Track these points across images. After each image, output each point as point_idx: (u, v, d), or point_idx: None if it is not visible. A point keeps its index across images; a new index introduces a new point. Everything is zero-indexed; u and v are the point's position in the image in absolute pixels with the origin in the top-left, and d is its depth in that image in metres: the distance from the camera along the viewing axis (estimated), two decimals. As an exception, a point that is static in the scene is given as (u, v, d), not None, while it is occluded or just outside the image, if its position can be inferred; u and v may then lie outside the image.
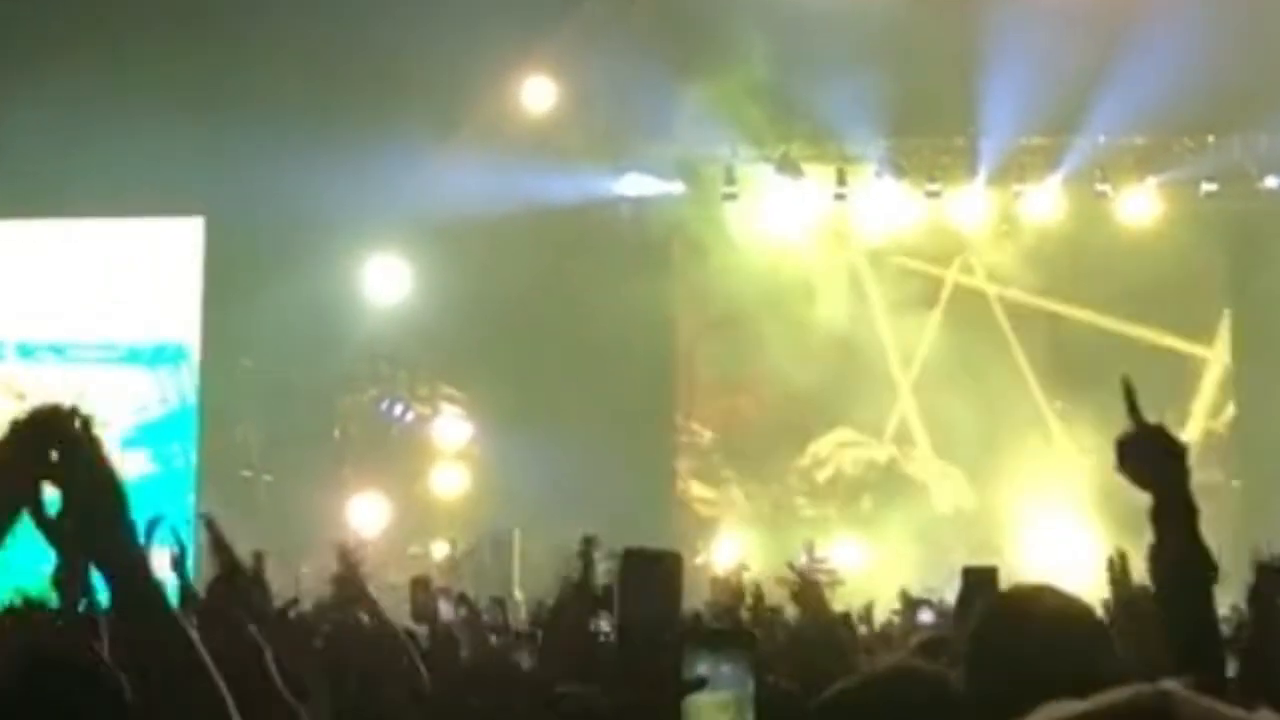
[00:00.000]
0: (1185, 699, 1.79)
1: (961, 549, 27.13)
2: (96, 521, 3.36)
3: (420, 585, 12.51)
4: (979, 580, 8.53)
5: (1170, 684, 1.81)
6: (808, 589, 8.41)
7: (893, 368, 31.23)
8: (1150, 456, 4.44)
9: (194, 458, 28.30)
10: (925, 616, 15.80)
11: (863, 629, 15.66)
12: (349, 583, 9.05)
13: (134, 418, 28.17)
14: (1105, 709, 1.79)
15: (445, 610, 13.64)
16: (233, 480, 28.53)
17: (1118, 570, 10.12)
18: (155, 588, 3.47)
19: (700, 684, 4.99)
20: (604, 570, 8.75)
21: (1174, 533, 4.38)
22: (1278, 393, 28.44)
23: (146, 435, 28.22)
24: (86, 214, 28.28)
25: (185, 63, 25.92)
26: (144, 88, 25.35)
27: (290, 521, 27.29)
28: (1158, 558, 4.43)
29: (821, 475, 31.41)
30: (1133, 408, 4.45)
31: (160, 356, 28.48)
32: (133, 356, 28.43)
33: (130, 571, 3.40)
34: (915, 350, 31.11)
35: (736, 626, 9.03)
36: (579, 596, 8.41)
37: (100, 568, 3.42)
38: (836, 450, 31.52)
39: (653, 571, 5.72)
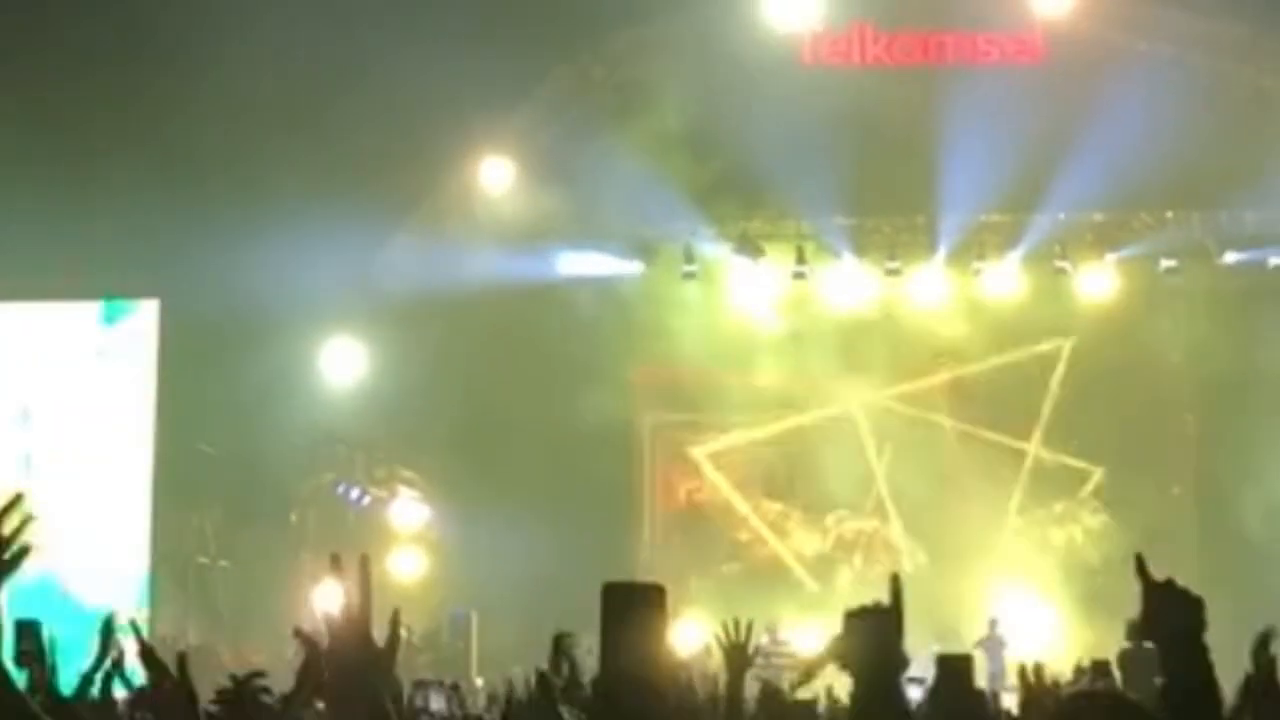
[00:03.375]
0: None
1: (924, 631, 26.96)
2: None
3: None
4: (953, 669, 8.36)
5: None
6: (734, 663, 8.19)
7: (857, 448, 31.09)
8: (1175, 605, 4.31)
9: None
10: (915, 693, 15.60)
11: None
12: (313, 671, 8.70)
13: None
14: None
15: (435, 700, 13.49)
16: (189, 566, 28.23)
17: (1030, 677, 10.08)
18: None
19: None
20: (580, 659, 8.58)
21: (1189, 673, 4.26)
22: (1238, 465, 28.40)
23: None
24: (42, 296, 28.01)
25: (139, 147, 25.75)
26: (98, 171, 25.20)
27: (247, 607, 27.02)
28: (1174, 699, 4.29)
29: (781, 557, 31.20)
30: (1143, 570, 4.34)
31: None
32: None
33: None
34: (880, 428, 31.01)
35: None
36: (545, 689, 8.19)
37: None
38: (796, 532, 31.32)
39: (636, 605, 5.58)
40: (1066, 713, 4.08)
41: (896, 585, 4.26)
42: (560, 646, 8.93)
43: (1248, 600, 19.39)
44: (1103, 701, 4.16)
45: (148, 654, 6.86)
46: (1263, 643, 7.64)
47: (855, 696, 4.25)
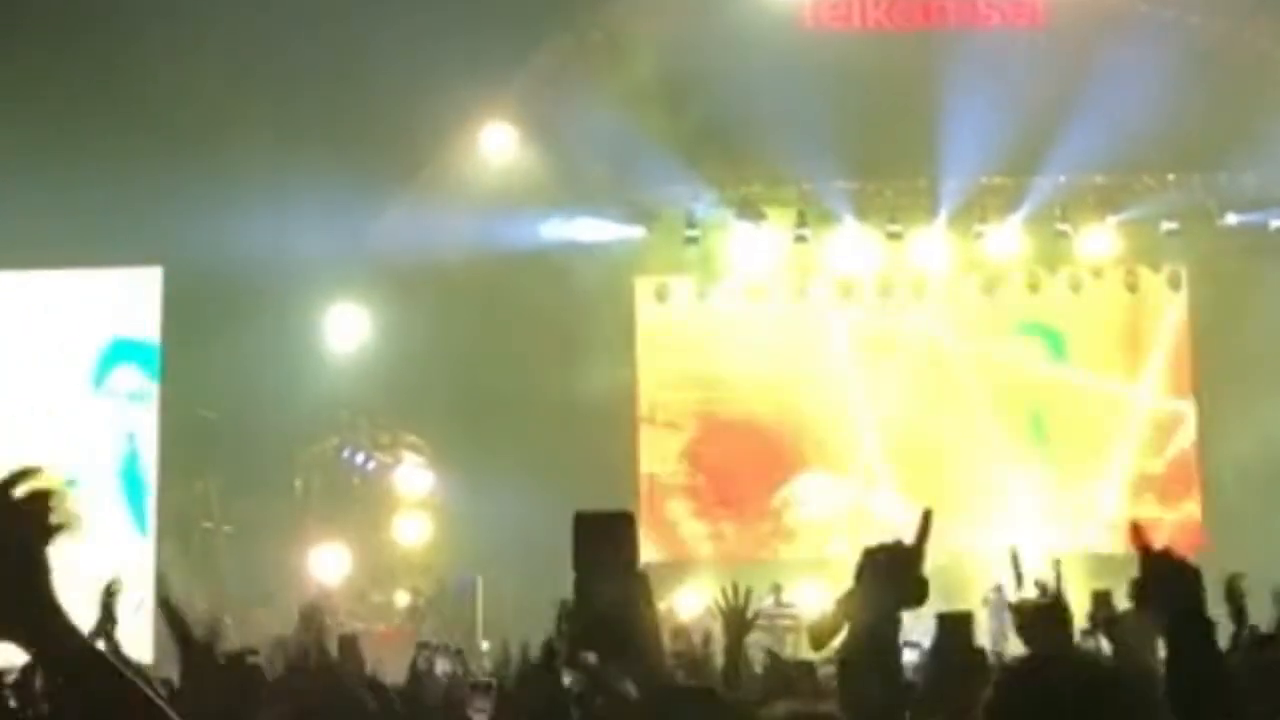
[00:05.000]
0: None
1: (933, 593, 26.91)
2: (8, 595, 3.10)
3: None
4: (952, 627, 8.39)
5: None
6: (732, 627, 8.26)
7: (858, 409, 31.12)
8: (1172, 578, 4.30)
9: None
10: (910, 656, 15.60)
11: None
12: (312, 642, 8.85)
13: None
14: None
15: (441, 663, 13.60)
16: (193, 532, 28.27)
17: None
18: (92, 652, 3.20)
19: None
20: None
21: (1194, 649, 4.23)
22: (1239, 427, 28.40)
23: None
24: (44, 265, 27.96)
25: (143, 111, 25.75)
26: (100, 136, 25.18)
27: (251, 573, 27.07)
28: (1178, 673, 4.26)
29: (786, 519, 31.22)
30: (1140, 537, 4.34)
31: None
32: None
33: (56, 643, 3.13)
34: (881, 390, 31.04)
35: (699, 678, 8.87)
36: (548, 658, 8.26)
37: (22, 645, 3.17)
38: (801, 494, 31.33)
39: (606, 532, 5.64)
40: (1032, 683, 4.01)
41: (927, 521, 4.16)
42: (563, 613, 8.99)
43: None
44: (1071, 669, 4.13)
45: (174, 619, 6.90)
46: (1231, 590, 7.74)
47: (845, 641, 4.19)
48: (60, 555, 3.18)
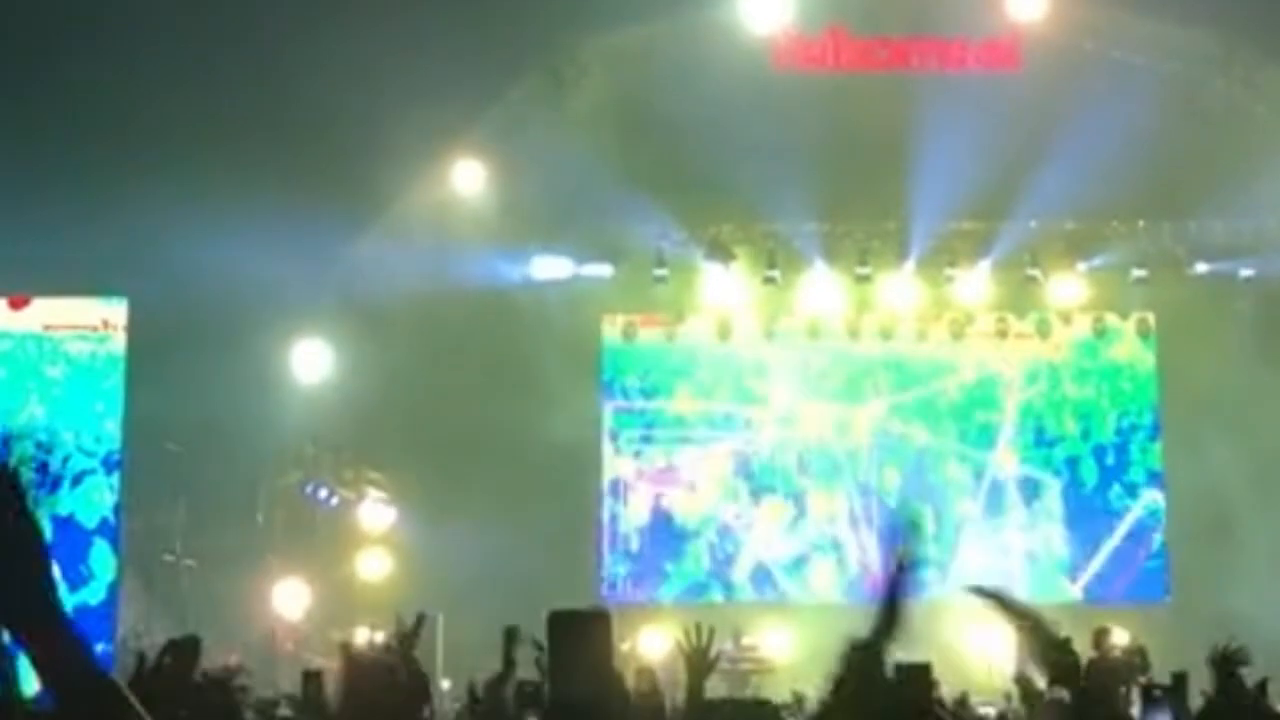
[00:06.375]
0: None
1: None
2: (12, 588, 2.91)
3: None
4: (912, 677, 8.34)
5: None
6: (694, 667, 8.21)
7: (825, 450, 31.08)
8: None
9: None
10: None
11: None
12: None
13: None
14: None
15: None
16: (155, 564, 28.10)
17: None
18: (91, 663, 2.95)
19: None
20: (532, 658, 8.56)
21: None
22: (1205, 475, 28.39)
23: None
24: (8, 292, 27.79)
25: (109, 142, 25.64)
26: (66, 166, 25.08)
27: (213, 606, 26.89)
28: None
29: (749, 560, 31.14)
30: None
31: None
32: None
33: (56, 647, 2.91)
34: (850, 431, 31.01)
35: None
36: (503, 688, 8.17)
37: (20, 643, 2.98)
38: (765, 534, 31.24)
39: (581, 632, 5.58)
40: None
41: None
42: (508, 639, 8.96)
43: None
44: None
45: None
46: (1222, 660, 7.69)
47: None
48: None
